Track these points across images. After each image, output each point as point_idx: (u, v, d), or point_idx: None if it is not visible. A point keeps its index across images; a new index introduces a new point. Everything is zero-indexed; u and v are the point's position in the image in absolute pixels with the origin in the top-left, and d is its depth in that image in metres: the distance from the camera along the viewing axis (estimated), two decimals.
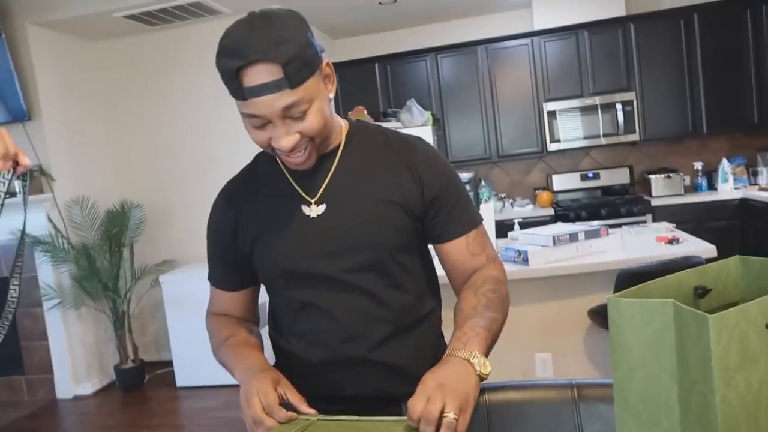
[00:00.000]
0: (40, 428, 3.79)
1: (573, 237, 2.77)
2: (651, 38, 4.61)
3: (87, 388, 4.19)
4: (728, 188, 4.51)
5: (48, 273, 4.10)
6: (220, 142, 4.54)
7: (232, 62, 0.96)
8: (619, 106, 4.62)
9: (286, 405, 1.02)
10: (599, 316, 2.58)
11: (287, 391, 1.03)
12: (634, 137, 4.64)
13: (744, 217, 4.26)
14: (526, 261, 2.67)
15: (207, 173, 4.58)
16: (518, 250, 2.74)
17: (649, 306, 0.71)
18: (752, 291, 0.82)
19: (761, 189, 4.32)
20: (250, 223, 1.17)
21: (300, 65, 0.97)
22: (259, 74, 0.96)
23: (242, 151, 4.48)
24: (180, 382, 4.19)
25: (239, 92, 0.98)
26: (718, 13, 4.49)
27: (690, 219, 4.26)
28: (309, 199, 1.14)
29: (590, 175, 4.98)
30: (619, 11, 4.69)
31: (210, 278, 1.28)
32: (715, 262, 0.83)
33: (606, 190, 4.96)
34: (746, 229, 4.24)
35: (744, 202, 4.28)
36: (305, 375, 1.15)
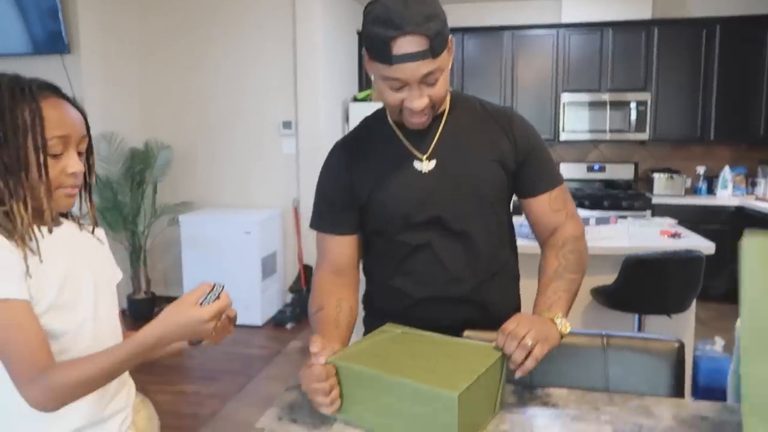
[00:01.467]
0: None
1: (585, 221, 2.98)
2: (672, 43, 4.78)
3: None
4: (726, 195, 4.75)
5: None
6: (249, 97, 4.68)
7: (386, 31, 1.12)
8: (633, 105, 4.81)
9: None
10: (601, 295, 2.81)
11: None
12: (644, 136, 4.85)
13: (738, 224, 4.51)
14: None
15: (234, 125, 4.73)
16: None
17: None
18: None
19: (758, 199, 4.57)
20: (366, 175, 1.34)
21: (441, 39, 1.15)
22: (409, 44, 1.12)
23: (268, 109, 4.66)
24: None
25: (387, 58, 1.14)
26: (739, 28, 4.67)
27: (687, 219, 4.49)
28: (420, 156, 1.32)
29: (596, 167, 5.19)
30: (646, 14, 4.85)
31: (319, 226, 1.39)
32: None
33: (610, 184, 5.18)
34: (739, 235, 4.48)
35: (740, 210, 4.53)
36: (407, 309, 1.35)
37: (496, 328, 1.16)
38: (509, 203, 1.42)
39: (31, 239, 1.01)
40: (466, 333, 1.33)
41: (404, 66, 1.14)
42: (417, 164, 1.32)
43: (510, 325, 1.13)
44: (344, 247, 1.38)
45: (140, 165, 4.45)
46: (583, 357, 1.31)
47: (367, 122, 1.42)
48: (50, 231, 1.06)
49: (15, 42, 4.13)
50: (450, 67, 1.24)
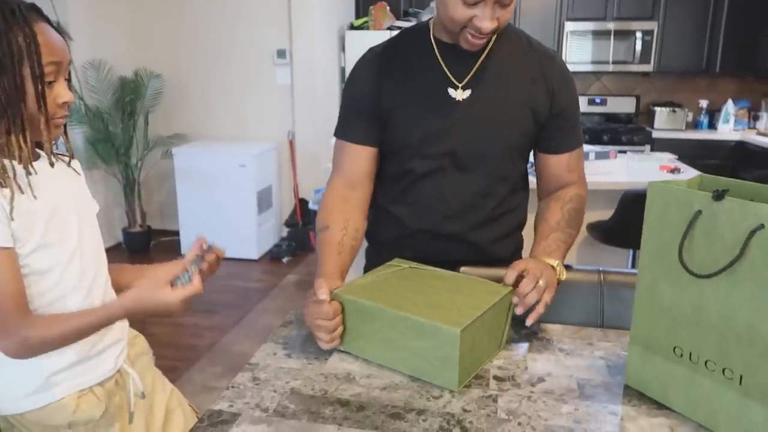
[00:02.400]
0: None
1: (584, 155, 2.94)
2: None
3: None
4: (728, 129, 4.68)
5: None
6: (242, 25, 4.51)
7: None
8: (638, 35, 4.66)
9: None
10: (597, 230, 2.81)
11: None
12: (648, 67, 4.72)
13: (738, 159, 4.47)
14: None
15: (224, 54, 4.58)
16: (532, 162, 2.91)
17: (680, 193, 0.84)
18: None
19: (759, 133, 4.50)
20: (394, 90, 1.27)
21: None
22: None
23: (261, 37, 4.50)
24: (184, 250, 4.40)
25: None
26: None
27: (686, 154, 4.43)
28: (456, 83, 1.25)
29: (597, 100, 5.08)
30: None
31: (341, 134, 1.33)
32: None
33: (610, 117, 5.09)
34: (738, 170, 4.46)
35: (740, 144, 4.47)
36: (404, 238, 1.33)
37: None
38: (530, 151, 1.37)
39: (29, 174, 0.98)
40: (463, 269, 1.31)
41: None
42: (451, 91, 1.25)
43: (522, 264, 1.12)
44: (361, 158, 1.32)
45: (131, 95, 4.33)
46: (579, 293, 1.31)
47: (407, 35, 1.34)
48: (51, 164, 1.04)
49: None
50: None
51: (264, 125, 4.67)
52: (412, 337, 0.98)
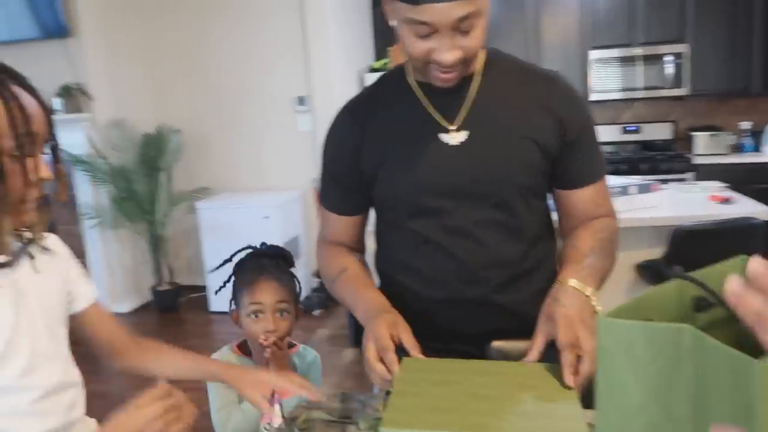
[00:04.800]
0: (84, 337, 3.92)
1: (624, 190, 2.74)
2: None
3: (125, 307, 4.31)
4: None
5: (87, 193, 4.14)
6: (258, 73, 4.48)
7: None
8: (668, 58, 4.47)
9: (401, 349, 1.01)
10: (647, 271, 2.60)
11: (402, 335, 1.02)
12: (681, 91, 4.51)
13: None
14: None
15: (243, 104, 4.54)
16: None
17: (657, 332, 0.52)
18: None
19: None
20: (377, 145, 1.13)
21: None
22: None
23: (279, 85, 4.46)
24: (213, 306, 4.28)
25: None
26: None
27: (732, 180, 4.17)
28: (448, 126, 1.09)
29: (631, 128, 4.88)
30: None
31: (323, 201, 1.25)
32: (721, 263, 0.58)
33: (646, 145, 4.87)
34: None
35: None
36: (419, 312, 1.15)
37: (527, 336, 1.00)
38: (545, 191, 1.19)
39: None
40: (495, 344, 1.13)
41: (434, 7, 0.92)
42: (443, 136, 1.09)
43: (569, 334, 0.95)
44: (344, 227, 1.23)
45: (153, 151, 4.30)
46: None
47: (383, 81, 1.20)
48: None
49: (18, 28, 3.97)
50: (488, 16, 1.00)
51: (287, 174, 4.59)
52: None
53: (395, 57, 4.58)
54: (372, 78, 4.54)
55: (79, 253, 4.22)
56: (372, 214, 1.26)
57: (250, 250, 1.41)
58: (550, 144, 1.10)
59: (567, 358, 0.92)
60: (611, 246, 1.13)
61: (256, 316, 1.34)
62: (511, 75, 1.13)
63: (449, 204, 1.09)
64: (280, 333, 1.32)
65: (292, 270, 1.42)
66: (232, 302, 1.42)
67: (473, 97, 1.09)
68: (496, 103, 1.10)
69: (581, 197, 1.15)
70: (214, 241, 4.22)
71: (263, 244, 1.44)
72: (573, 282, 1.03)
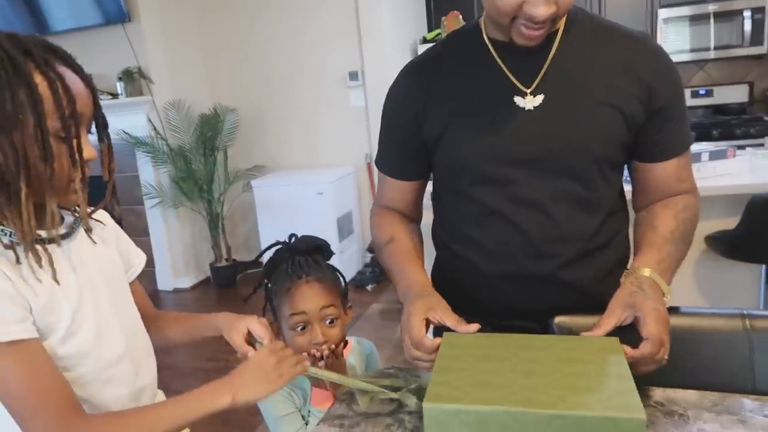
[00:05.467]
0: None
1: (696, 157, 2.55)
2: None
3: (185, 282, 4.45)
4: None
5: (149, 173, 4.26)
6: (311, 50, 4.45)
7: None
8: (746, 14, 4.13)
9: (445, 328, 0.98)
10: (719, 242, 2.42)
11: (444, 316, 0.98)
12: (761, 49, 4.16)
13: None
14: None
15: (296, 82, 4.53)
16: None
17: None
18: None
19: None
20: (443, 108, 1.05)
21: None
22: None
23: (332, 61, 4.42)
24: None
25: None
26: None
27: None
28: (524, 89, 1.01)
29: (702, 91, 4.56)
30: None
31: (379, 164, 1.20)
32: None
33: (719, 109, 4.55)
34: None
35: None
36: (478, 287, 1.09)
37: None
38: (624, 163, 1.09)
39: (35, 252, 0.82)
40: (558, 320, 1.05)
41: None
42: (518, 99, 1.01)
43: (661, 329, 0.90)
44: (402, 192, 1.18)
45: (210, 131, 4.37)
46: (717, 345, 1.01)
47: (454, 39, 1.11)
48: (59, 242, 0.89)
49: (82, 15, 4.08)
50: None
51: (340, 150, 4.56)
52: None
53: (449, 26, 4.44)
54: (424, 49, 4.44)
55: (143, 232, 4.38)
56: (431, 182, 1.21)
57: (279, 246, 1.21)
58: (635, 112, 1.00)
59: (654, 351, 0.88)
60: (692, 228, 1.05)
61: (303, 329, 1.14)
62: (595, 35, 1.02)
63: (518, 173, 1.02)
64: (332, 342, 1.12)
65: (332, 263, 1.25)
66: (268, 311, 1.21)
67: (552, 58, 1.00)
68: (576, 65, 1.01)
69: (663, 171, 1.06)
70: (269, 218, 4.27)
71: (292, 236, 1.22)
72: (654, 276, 0.98)
